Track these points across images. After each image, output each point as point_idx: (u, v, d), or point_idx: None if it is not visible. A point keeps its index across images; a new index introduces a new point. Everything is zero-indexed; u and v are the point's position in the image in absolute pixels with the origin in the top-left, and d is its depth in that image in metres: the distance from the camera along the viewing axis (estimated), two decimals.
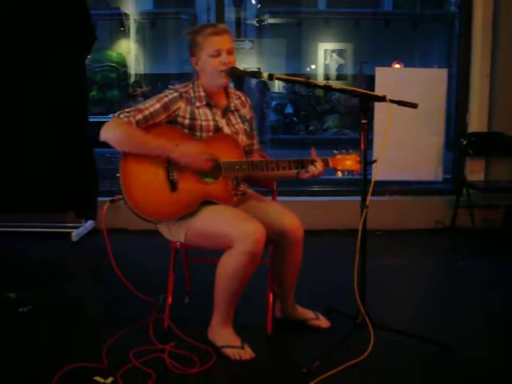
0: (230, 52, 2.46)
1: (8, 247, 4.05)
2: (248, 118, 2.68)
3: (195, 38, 2.47)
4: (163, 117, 2.43)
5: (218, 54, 2.44)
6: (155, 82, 12.03)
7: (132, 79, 11.40)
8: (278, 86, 12.87)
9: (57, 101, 4.09)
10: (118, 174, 2.35)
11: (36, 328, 2.73)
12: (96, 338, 2.58)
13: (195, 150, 2.39)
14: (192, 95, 2.51)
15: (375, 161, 2.43)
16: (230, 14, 11.17)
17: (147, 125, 2.39)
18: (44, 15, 3.98)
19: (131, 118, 2.35)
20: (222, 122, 2.54)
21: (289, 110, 12.42)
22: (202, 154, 2.39)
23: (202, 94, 2.52)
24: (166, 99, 2.44)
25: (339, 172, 2.51)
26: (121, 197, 2.36)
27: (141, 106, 2.41)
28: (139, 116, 2.37)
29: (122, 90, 10.65)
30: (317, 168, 2.46)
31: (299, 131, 12.07)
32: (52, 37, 4.01)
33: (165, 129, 2.44)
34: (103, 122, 2.37)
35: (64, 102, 4.10)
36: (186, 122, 2.47)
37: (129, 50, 11.69)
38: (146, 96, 10.15)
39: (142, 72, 12.30)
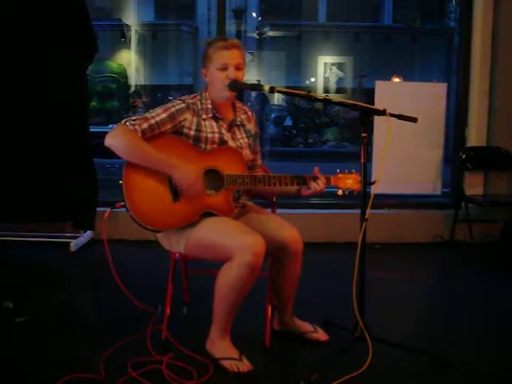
0: (238, 68, 2.46)
1: (6, 256, 4.03)
2: (253, 133, 2.69)
3: (207, 49, 2.49)
4: (169, 127, 2.42)
5: (224, 67, 2.45)
6: (155, 93, 12.08)
7: (132, 90, 11.45)
8: (277, 98, 12.92)
9: (58, 109, 4.09)
10: (120, 181, 2.34)
11: (33, 338, 2.71)
12: (94, 348, 2.56)
13: (195, 173, 2.37)
14: (199, 107, 2.51)
15: (374, 182, 2.43)
16: (231, 26, 11.25)
17: (153, 134, 2.39)
18: (44, 18, 3.99)
19: (137, 127, 2.34)
20: (228, 136, 2.55)
21: (288, 122, 12.44)
22: (201, 180, 2.39)
23: (209, 106, 2.52)
24: (172, 109, 2.44)
25: (340, 190, 2.53)
26: (122, 204, 2.34)
27: (147, 114, 2.41)
28: (145, 125, 2.36)
29: (121, 101, 10.68)
30: (319, 185, 2.48)
31: (298, 144, 12.08)
32: (53, 41, 4.01)
33: (170, 139, 2.44)
34: (103, 133, 2.36)
35: (65, 110, 4.11)
36: (192, 133, 2.47)
37: (129, 61, 11.75)
38: (146, 107, 10.19)
39: (142, 83, 12.37)
